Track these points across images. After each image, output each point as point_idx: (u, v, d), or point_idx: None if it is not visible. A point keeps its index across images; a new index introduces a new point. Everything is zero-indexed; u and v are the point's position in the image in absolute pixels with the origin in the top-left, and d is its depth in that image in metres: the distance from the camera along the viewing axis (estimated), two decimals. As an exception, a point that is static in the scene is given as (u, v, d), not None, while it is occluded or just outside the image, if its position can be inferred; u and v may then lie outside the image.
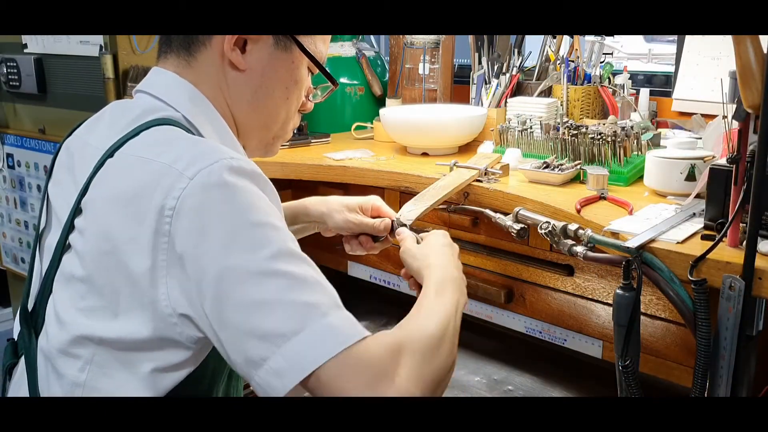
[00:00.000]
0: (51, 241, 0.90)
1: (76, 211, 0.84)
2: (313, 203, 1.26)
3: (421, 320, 0.83)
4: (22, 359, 0.90)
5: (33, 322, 0.89)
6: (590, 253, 1.04)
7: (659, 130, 1.57)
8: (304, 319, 0.72)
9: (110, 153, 0.83)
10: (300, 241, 1.36)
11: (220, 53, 0.91)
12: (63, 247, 0.85)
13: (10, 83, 2.15)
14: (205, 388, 0.89)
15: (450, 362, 0.81)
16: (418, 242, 1.07)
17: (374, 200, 1.24)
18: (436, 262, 0.98)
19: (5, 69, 2.14)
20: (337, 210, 1.23)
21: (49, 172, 0.97)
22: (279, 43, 0.93)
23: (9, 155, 2.26)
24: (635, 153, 1.39)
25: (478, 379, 1.50)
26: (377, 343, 0.74)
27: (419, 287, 0.97)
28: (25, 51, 2.10)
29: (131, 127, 0.85)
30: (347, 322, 0.74)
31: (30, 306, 0.91)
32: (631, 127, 1.40)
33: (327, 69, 1.00)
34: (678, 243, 0.97)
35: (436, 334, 0.80)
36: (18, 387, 0.91)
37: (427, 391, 0.75)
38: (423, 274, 0.97)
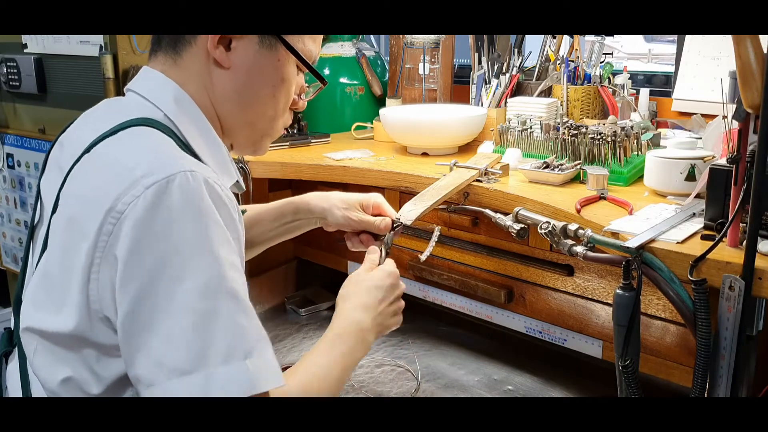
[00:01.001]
0: (42, 234, 0.91)
1: (56, 204, 0.86)
2: (315, 198, 1.28)
3: (314, 383, 0.89)
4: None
5: None
6: (590, 253, 1.04)
7: (659, 130, 1.57)
8: (200, 362, 0.75)
9: (88, 149, 0.85)
10: (299, 238, 1.38)
11: (205, 51, 0.91)
12: (47, 240, 0.87)
13: (10, 83, 2.15)
14: None
15: None
16: (382, 259, 1.11)
17: (376, 198, 1.24)
18: (348, 307, 1.02)
19: (5, 69, 2.14)
20: (337, 206, 1.23)
21: (42, 166, 0.98)
22: (264, 42, 0.92)
23: (9, 155, 2.26)
24: (635, 153, 1.38)
25: (478, 379, 1.50)
26: None
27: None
28: (25, 51, 2.10)
29: (114, 124, 0.86)
30: (242, 375, 0.76)
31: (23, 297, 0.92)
32: (631, 127, 1.40)
33: (315, 67, 0.98)
34: (678, 243, 0.97)
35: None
36: (12, 374, 0.93)
37: None
38: (336, 313, 1.03)
